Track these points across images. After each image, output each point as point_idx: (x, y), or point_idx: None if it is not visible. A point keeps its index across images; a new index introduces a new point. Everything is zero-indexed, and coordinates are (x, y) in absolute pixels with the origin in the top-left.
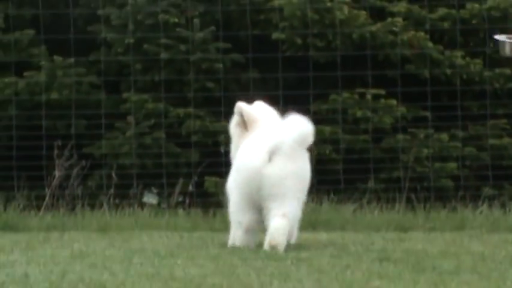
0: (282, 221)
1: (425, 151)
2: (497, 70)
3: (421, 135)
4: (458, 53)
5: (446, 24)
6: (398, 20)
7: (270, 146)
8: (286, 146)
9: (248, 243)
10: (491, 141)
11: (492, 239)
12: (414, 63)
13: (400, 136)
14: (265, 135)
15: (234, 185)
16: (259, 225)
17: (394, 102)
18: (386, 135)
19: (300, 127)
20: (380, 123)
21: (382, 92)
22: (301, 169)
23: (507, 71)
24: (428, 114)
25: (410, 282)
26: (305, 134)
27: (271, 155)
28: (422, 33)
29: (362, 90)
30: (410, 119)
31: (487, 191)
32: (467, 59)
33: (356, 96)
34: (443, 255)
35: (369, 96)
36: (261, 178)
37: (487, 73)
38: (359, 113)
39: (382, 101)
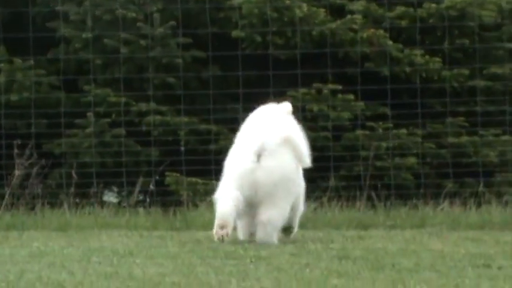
0: (265, 229)
1: (384, 145)
2: (455, 69)
3: (380, 131)
4: (418, 52)
5: (404, 23)
6: (358, 17)
7: (256, 147)
8: (272, 145)
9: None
10: (451, 139)
11: (452, 237)
12: (374, 61)
13: (360, 132)
14: (251, 137)
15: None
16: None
17: (351, 97)
18: (345, 132)
19: (284, 127)
20: (339, 119)
21: (339, 87)
22: (287, 168)
23: (466, 70)
24: (388, 111)
25: (369, 280)
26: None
27: (259, 156)
28: (381, 31)
29: (319, 85)
30: (370, 117)
31: (448, 188)
32: (427, 57)
33: (313, 92)
34: (402, 253)
35: (326, 91)
36: (251, 180)
37: (445, 72)
38: (316, 108)
39: (340, 96)
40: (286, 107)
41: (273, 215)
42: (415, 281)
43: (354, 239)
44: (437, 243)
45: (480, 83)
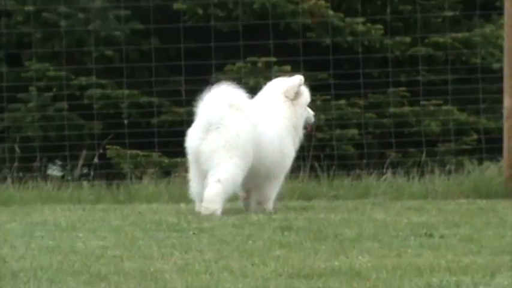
0: (215, 186)
1: (323, 117)
2: (397, 38)
3: (320, 101)
4: (359, 20)
5: None
6: None
7: (202, 124)
8: (215, 117)
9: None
10: (393, 109)
11: (395, 207)
12: (315, 32)
13: None
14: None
15: None
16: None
17: (288, 68)
18: None
19: (226, 95)
20: None
21: (274, 59)
22: (233, 135)
23: (407, 38)
24: (330, 81)
25: (311, 250)
26: (232, 100)
27: (206, 131)
28: (322, 2)
29: (253, 58)
30: (312, 87)
31: (391, 158)
32: (368, 25)
33: (249, 65)
34: (345, 223)
35: (260, 65)
36: (197, 155)
37: (387, 40)
38: (252, 82)
39: (276, 67)
40: (297, 80)
41: (221, 175)
42: (357, 251)
43: (296, 210)
44: (380, 213)
45: (422, 50)
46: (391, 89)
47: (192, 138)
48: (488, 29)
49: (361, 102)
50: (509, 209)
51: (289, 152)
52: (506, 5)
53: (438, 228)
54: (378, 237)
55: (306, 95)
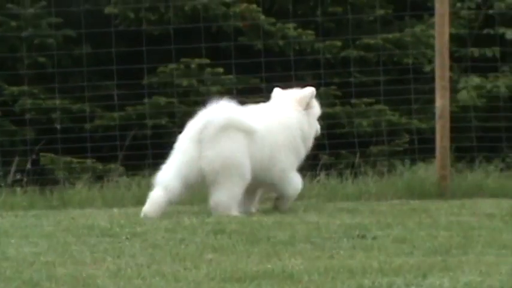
0: (217, 212)
1: None
2: (328, 42)
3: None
4: (290, 25)
5: None
6: None
7: (195, 137)
8: (209, 134)
9: None
10: (325, 109)
11: (328, 208)
12: (247, 35)
13: None
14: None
15: None
16: None
17: (220, 70)
18: None
19: (219, 113)
20: (210, 93)
21: (207, 61)
22: (229, 155)
23: (338, 42)
24: (262, 85)
25: (244, 253)
26: (227, 119)
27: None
28: (254, 5)
29: (187, 59)
30: (244, 90)
31: (324, 159)
32: (299, 30)
33: (182, 67)
34: (278, 226)
35: (194, 66)
36: (194, 169)
37: (319, 44)
38: (185, 83)
39: (208, 70)
40: (309, 91)
41: (219, 199)
42: (290, 253)
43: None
44: (313, 215)
45: (353, 53)
46: (322, 89)
47: (187, 148)
48: (419, 29)
49: None
50: (441, 210)
51: (281, 157)
52: (437, 5)
53: (371, 230)
54: (310, 239)
55: (317, 107)
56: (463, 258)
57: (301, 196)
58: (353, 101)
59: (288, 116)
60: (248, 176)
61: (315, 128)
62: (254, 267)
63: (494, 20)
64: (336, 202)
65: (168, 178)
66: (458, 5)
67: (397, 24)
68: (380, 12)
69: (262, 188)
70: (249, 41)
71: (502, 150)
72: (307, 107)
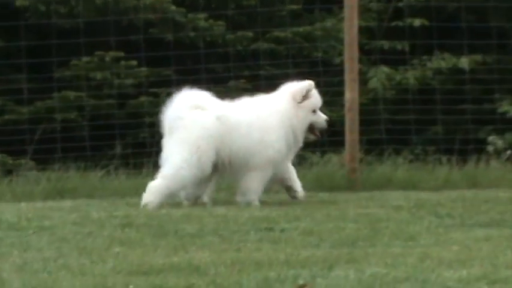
0: (158, 180)
1: None
2: (239, 33)
3: (164, 95)
4: (201, 16)
5: None
6: None
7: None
8: (170, 119)
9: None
10: None
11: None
12: (158, 27)
13: (144, 98)
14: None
15: None
16: None
17: (134, 63)
18: (130, 99)
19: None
20: (123, 86)
21: (122, 54)
22: (187, 133)
23: (249, 33)
24: (173, 77)
25: (151, 247)
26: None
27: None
28: None
29: (101, 53)
30: (154, 83)
31: None
32: (211, 21)
33: (96, 60)
34: (186, 219)
35: (108, 59)
36: None
37: (229, 35)
38: (99, 76)
39: (123, 63)
40: (306, 84)
41: (165, 171)
42: (197, 246)
43: (138, 207)
44: (222, 208)
45: (264, 45)
46: (232, 82)
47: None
48: (329, 22)
49: None
50: (350, 202)
51: (274, 143)
52: None
53: (279, 222)
54: (218, 232)
55: (313, 99)
56: (370, 250)
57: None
58: (263, 94)
59: (276, 106)
60: (207, 155)
61: (308, 120)
62: (161, 260)
63: (404, 12)
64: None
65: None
66: None
67: (307, 18)
68: (291, 6)
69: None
70: (160, 33)
71: (411, 142)
72: (303, 99)
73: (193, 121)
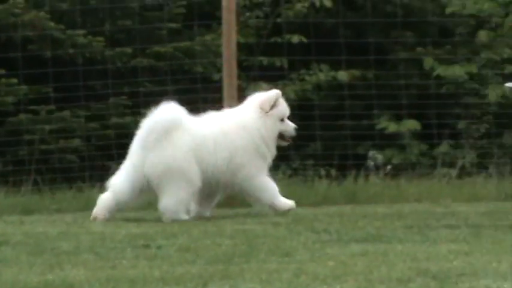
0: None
1: (47, 128)
2: (118, 49)
3: (43, 113)
4: (80, 32)
5: (65, 5)
6: (20, 1)
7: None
8: (151, 139)
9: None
10: (114, 119)
11: (115, 218)
12: (37, 44)
13: (23, 116)
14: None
15: None
16: None
17: (15, 80)
18: (9, 117)
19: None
20: (3, 104)
21: (3, 71)
22: (171, 158)
23: (128, 49)
24: (51, 95)
25: (27, 265)
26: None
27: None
28: (43, 13)
29: None
30: (34, 100)
31: (113, 169)
32: (90, 37)
33: None
34: (63, 237)
35: None
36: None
37: (108, 52)
38: None
39: (3, 80)
40: (273, 93)
41: (166, 204)
42: (73, 264)
43: (15, 224)
44: (99, 225)
45: (143, 61)
46: (112, 99)
47: (136, 155)
48: (209, 37)
49: (83, 113)
50: (228, 218)
51: (243, 161)
52: (224, 14)
53: (156, 239)
54: (94, 249)
55: (280, 108)
56: (245, 266)
57: (89, 206)
58: (143, 111)
59: (244, 118)
60: (196, 181)
61: (276, 129)
62: (35, 278)
63: (282, 29)
64: (123, 212)
65: (117, 182)
66: (247, 14)
67: (187, 34)
68: (170, 24)
69: (222, 193)
70: (39, 50)
71: (289, 158)
72: (271, 109)
73: (174, 144)
